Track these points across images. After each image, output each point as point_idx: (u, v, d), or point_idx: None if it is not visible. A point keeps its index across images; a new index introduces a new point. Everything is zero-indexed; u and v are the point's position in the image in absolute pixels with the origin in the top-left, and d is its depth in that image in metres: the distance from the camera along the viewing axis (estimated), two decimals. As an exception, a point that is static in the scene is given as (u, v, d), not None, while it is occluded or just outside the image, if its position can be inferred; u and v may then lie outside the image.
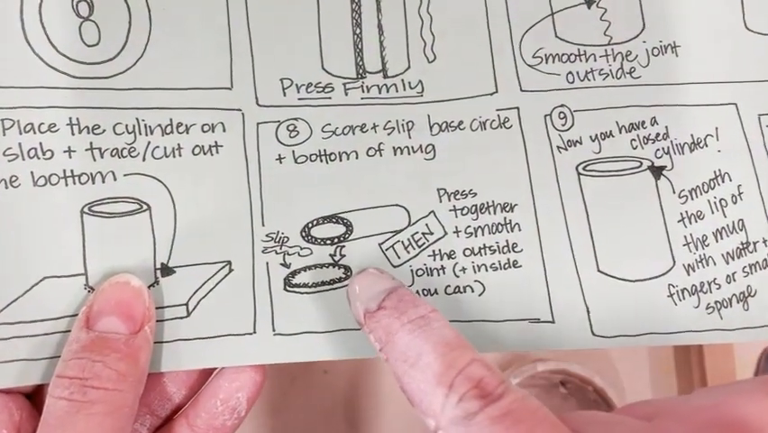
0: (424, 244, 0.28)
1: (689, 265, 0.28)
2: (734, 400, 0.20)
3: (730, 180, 0.29)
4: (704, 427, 0.20)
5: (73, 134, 0.27)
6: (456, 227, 0.28)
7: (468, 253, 0.28)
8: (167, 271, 0.27)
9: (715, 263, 0.28)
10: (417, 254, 0.28)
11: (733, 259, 0.29)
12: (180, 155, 0.28)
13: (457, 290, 0.28)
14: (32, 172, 0.26)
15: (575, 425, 0.21)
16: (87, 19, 0.27)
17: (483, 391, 0.21)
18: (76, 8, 0.27)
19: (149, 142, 0.27)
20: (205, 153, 0.28)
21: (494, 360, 0.46)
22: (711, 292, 0.28)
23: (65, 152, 0.27)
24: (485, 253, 0.28)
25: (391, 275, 0.26)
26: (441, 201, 0.28)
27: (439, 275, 0.28)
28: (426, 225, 0.28)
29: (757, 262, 0.29)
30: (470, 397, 0.21)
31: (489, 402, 0.21)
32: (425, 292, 0.28)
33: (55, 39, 0.27)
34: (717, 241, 0.29)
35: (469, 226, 0.28)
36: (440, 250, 0.28)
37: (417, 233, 0.28)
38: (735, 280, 0.28)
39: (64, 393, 0.23)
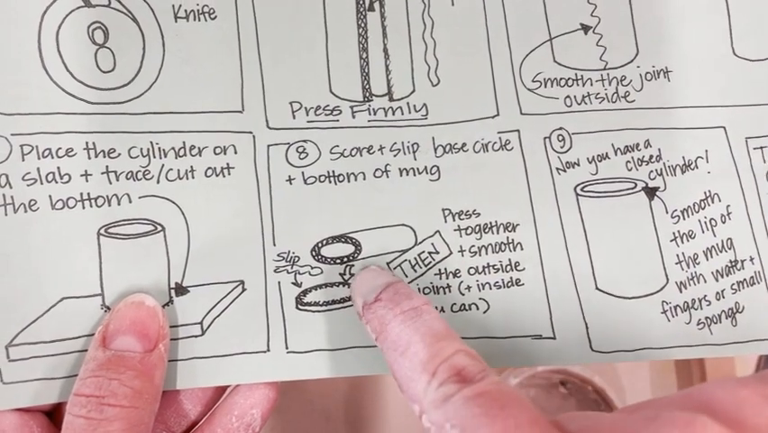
0: (430, 262, 0.29)
1: (681, 283, 0.30)
2: (705, 387, 0.21)
3: (719, 201, 0.31)
4: (673, 408, 0.21)
5: (89, 158, 0.27)
6: (461, 247, 0.29)
7: (472, 271, 0.29)
8: (181, 290, 0.28)
9: (705, 281, 0.30)
10: (424, 273, 0.29)
11: (722, 276, 0.30)
12: (193, 177, 0.28)
13: (463, 307, 0.29)
14: (50, 196, 0.27)
15: (557, 421, 0.22)
16: (103, 46, 0.28)
17: (463, 378, 0.22)
18: (91, 36, 0.28)
19: (163, 165, 0.28)
20: (217, 175, 0.29)
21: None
22: (702, 309, 0.30)
23: (82, 175, 0.27)
24: (489, 272, 0.29)
25: (392, 272, 0.27)
26: (446, 221, 0.30)
27: (445, 293, 0.29)
28: (432, 244, 0.29)
29: (745, 279, 0.30)
30: (450, 382, 0.22)
31: (465, 385, 0.22)
32: (432, 310, 0.29)
33: (72, 66, 0.27)
34: (707, 259, 0.30)
35: (473, 246, 0.29)
36: (445, 269, 0.29)
37: (424, 252, 0.29)
38: (724, 297, 0.30)
39: (81, 411, 0.24)
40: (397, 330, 0.24)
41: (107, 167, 0.28)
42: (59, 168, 0.27)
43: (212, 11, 0.29)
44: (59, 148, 0.27)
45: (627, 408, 0.23)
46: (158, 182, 0.28)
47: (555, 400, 0.46)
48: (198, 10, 0.29)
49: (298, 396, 0.46)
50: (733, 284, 0.30)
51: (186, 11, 0.29)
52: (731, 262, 0.30)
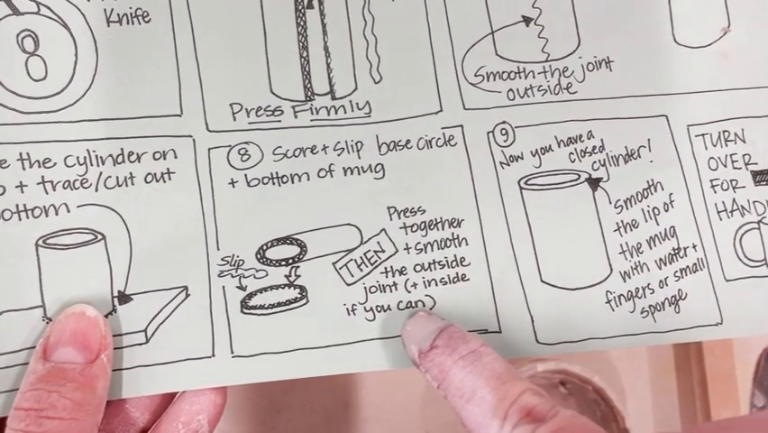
0: (376, 261, 0.29)
1: (624, 272, 0.30)
2: None
3: (662, 189, 0.31)
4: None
5: (24, 169, 0.27)
6: (407, 244, 0.29)
7: (418, 268, 0.29)
8: (124, 298, 0.28)
9: (649, 269, 0.30)
10: (370, 272, 0.29)
11: (665, 264, 0.30)
12: (133, 184, 0.28)
13: (409, 305, 0.29)
14: (-16, 209, 0.26)
15: None
16: (33, 54, 0.27)
17: (535, 417, 0.22)
18: (21, 44, 0.27)
19: (101, 173, 0.28)
20: (157, 181, 0.28)
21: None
22: (646, 297, 0.30)
23: (17, 187, 0.27)
24: (435, 268, 0.29)
25: (440, 316, 0.27)
26: (391, 219, 0.30)
27: (391, 291, 0.29)
28: (378, 242, 0.29)
29: (687, 266, 0.31)
30: (524, 423, 0.22)
31: (540, 424, 0.22)
32: (379, 309, 0.29)
33: (1, 75, 0.27)
34: (650, 248, 0.30)
35: (419, 243, 0.29)
36: (392, 267, 0.29)
37: (369, 251, 0.29)
38: (667, 285, 0.30)
39: (20, 425, 0.24)
40: (459, 376, 0.24)
41: (43, 177, 0.27)
42: None
43: (146, 14, 0.29)
44: None
45: (702, 427, 0.23)
46: (96, 190, 0.28)
47: (555, 399, 0.46)
48: (131, 13, 0.29)
49: (298, 396, 0.46)
50: (676, 272, 0.30)
51: (118, 15, 0.28)
52: (674, 249, 0.31)
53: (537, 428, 0.22)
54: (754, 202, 0.32)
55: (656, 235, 0.31)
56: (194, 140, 0.29)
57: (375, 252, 0.29)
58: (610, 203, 0.31)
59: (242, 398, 0.45)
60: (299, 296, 0.29)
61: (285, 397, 0.46)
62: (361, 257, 0.29)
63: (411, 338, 0.27)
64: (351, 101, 0.30)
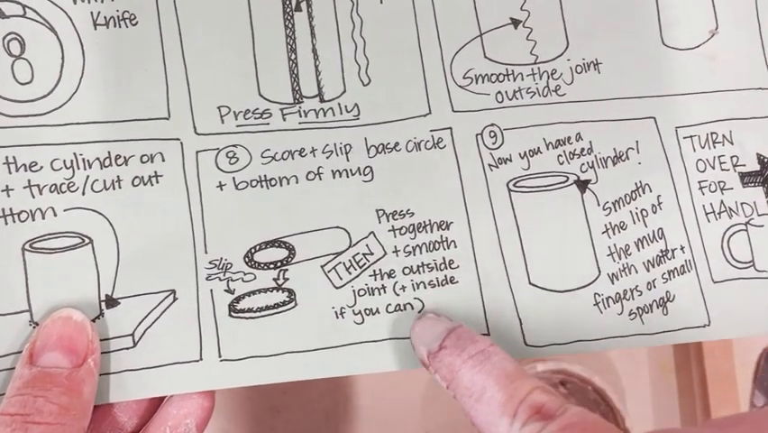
0: (365, 264, 0.29)
1: (613, 274, 0.30)
2: None
3: (650, 191, 0.31)
4: None
5: (10, 173, 0.27)
6: (395, 247, 0.29)
7: (407, 271, 0.29)
8: (111, 302, 0.28)
9: (637, 271, 0.30)
10: (359, 275, 0.29)
11: (653, 266, 0.30)
12: (120, 187, 0.28)
13: (398, 308, 0.29)
14: (-31, 213, 0.26)
15: None
16: (19, 57, 0.27)
17: (545, 415, 0.22)
18: (7, 47, 0.27)
19: (87, 176, 0.28)
20: (145, 184, 0.28)
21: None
22: (634, 299, 0.30)
23: (3, 190, 0.27)
24: (423, 271, 0.29)
25: (449, 318, 0.28)
26: (380, 222, 0.29)
27: (380, 294, 0.29)
28: (367, 245, 0.29)
29: (675, 268, 0.31)
30: (533, 421, 0.22)
31: (549, 421, 0.22)
32: (368, 312, 0.29)
33: (-13, 79, 0.27)
34: (638, 250, 0.30)
35: (407, 245, 0.29)
36: (380, 270, 0.29)
37: (358, 254, 0.29)
38: (655, 287, 0.30)
39: (6, 431, 0.24)
40: (468, 376, 0.24)
41: (29, 181, 0.27)
42: None
43: (133, 17, 0.29)
44: None
45: (718, 421, 0.24)
46: (83, 194, 0.28)
47: (555, 398, 0.47)
48: (118, 16, 0.29)
49: (298, 396, 0.46)
50: (664, 273, 0.30)
51: (105, 18, 0.28)
52: (662, 251, 0.31)
53: (547, 426, 0.22)
54: (741, 204, 0.32)
55: (644, 237, 0.31)
56: (182, 143, 0.29)
57: (364, 254, 0.29)
58: (599, 205, 0.31)
59: (242, 397, 0.45)
60: (288, 299, 0.28)
61: (285, 397, 0.46)
62: (349, 260, 0.29)
63: (420, 339, 0.27)
64: (339, 103, 0.30)
